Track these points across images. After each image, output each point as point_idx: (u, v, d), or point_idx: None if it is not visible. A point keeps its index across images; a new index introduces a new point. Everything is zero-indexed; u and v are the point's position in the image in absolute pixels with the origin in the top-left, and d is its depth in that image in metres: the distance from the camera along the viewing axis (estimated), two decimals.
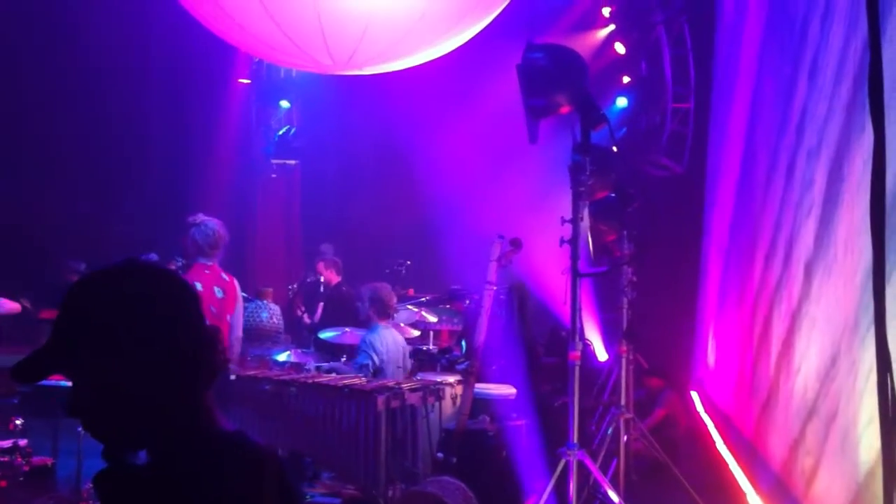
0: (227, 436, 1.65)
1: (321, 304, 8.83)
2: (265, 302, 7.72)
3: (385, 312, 6.93)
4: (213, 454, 1.58)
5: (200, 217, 5.73)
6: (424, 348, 8.04)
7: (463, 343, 8.13)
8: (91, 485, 5.90)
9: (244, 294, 8.50)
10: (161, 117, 11.90)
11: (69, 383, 1.61)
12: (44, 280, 9.72)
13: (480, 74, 9.13)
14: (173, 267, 5.74)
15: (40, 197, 11.79)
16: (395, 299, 7.13)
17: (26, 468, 5.53)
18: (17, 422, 5.46)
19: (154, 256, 5.89)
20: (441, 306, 8.79)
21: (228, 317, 5.66)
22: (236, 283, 5.80)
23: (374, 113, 10.39)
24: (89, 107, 10.70)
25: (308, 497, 6.70)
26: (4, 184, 10.98)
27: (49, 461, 6.04)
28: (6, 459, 5.27)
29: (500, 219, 7.84)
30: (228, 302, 5.63)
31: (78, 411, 1.58)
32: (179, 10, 6.66)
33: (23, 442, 5.58)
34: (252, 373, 6.51)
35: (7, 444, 5.33)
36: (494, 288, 6.64)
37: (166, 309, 1.61)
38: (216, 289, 5.54)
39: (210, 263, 5.63)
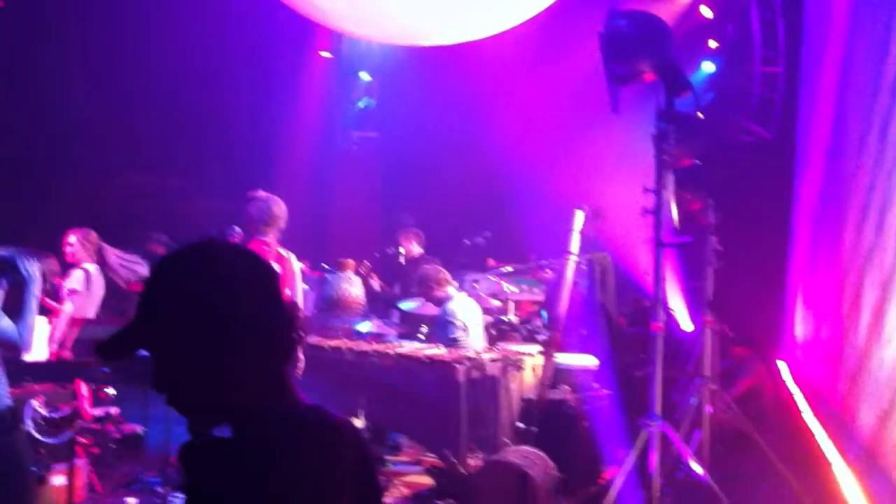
0: (305, 408, 1.68)
1: (401, 275, 8.87)
2: (346, 273, 7.78)
3: (441, 284, 6.96)
4: (293, 427, 1.60)
5: (259, 193, 5.80)
6: (505, 318, 8.02)
7: (544, 313, 8.10)
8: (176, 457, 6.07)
9: (325, 266, 8.62)
10: (244, 92, 12.03)
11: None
12: (131, 252, 9.95)
13: (559, 43, 8.99)
14: (232, 239, 5.81)
15: (127, 171, 12.09)
16: (440, 271, 7.14)
17: (117, 436, 5.71)
18: (108, 391, 5.61)
19: (237, 230, 5.97)
20: (520, 276, 8.74)
21: (287, 291, 5.72)
22: (294, 260, 5.83)
23: (453, 83, 10.33)
24: (175, 83, 10.88)
25: (389, 466, 6.78)
26: (93, 158, 11.28)
27: (139, 429, 6.22)
28: (98, 427, 5.43)
29: (581, 188, 7.74)
30: (285, 278, 5.67)
31: (162, 387, 1.62)
32: None
33: (114, 410, 5.75)
34: (333, 343, 6.58)
35: (99, 412, 5.49)
36: (576, 258, 6.59)
37: (245, 286, 1.65)
38: (273, 264, 5.58)
39: (267, 239, 5.69)
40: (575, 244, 6.57)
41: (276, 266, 5.55)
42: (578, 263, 6.67)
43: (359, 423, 5.93)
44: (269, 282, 1.71)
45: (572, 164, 8.88)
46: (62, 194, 10.93)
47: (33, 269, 4.53)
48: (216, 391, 1.62)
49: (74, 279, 6.60)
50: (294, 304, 1.77)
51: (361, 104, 12.54)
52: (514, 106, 9.55)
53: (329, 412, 1.67)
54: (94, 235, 6.79)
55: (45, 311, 5.62)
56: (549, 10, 7.06)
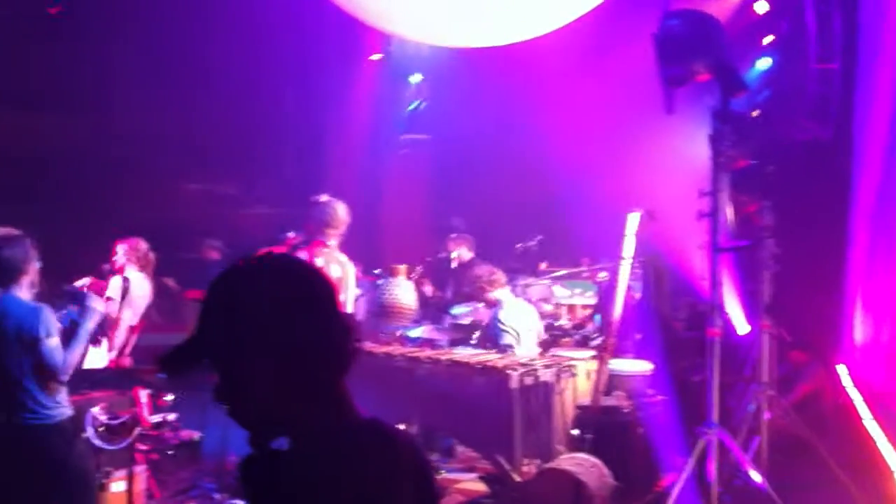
0: (363, 422, 1.69)
1: (453, 280, 8.85)
2: (398, 279, 7.78)
3: (493, 286, 6.92)
4: (351, 440, 1.62)
5: (324, 197, 5.83)
6: (557, 323, 7.95)
7: (597, 318, 8.02)
8: (236, 470, 6.13)
9: (377, 271, 8.62)
10: (295, 98, 12.13)
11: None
12: (185, 259, 10.08)
13: (612, 43, 8.90)
14: (294, 241, 5.86)
15: (181, 178, 12.25)
16: (493, 273, 7.09)
17: (175, 442, 5.77)
18: (166, 397, 5.67)
19: (291, 234, 6.00)
20: (573, 280, 8.67)
21: (341, 297, 5.72)
22: (352, 266, 5.86)
23: (505, 85, 10.28)
24: (227, 90, 10.99)
25: (443, 472, 6.76)
26: (150, 166, 11.43)
27: (196, 435, 6.28)
28: (156, 434, 5.49)
29: (635, 191, 7.65)
30: (342, 283, 5.69)
31: (223, 399, 1.65)
32: None
33: (172, 416, 5.81)
34: (385, 349, 6.58)
35: (157, 418, 5.55)
36: (630, 262, 6.52)
37: (304, 299, 1.66)
38: (333, 267, 5.61)
39: (329, 242, 5.72)
40: (629, 248, 6.49)
41: (336, 270, 5.59)
42: (633, 267, 6.60)
43: (410, 429, 5.93)
44: (328, 295, 1.72)
45: (625, 166, 8.77)
46: (121, 200, 11.11)
47: (96, 305, 4.68)
48: (275, 405, 1.63)
49: (112, 287, 6.68)
50: (352, 317, 1.76)
51: (412, 107, 12.55)
52: (567, 107, 9.47)
53: (386, 424, 1.69)
54: (143, 245, 6.86)
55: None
56: (601, 9, 6.99)
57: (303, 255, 5.46)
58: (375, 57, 11.98)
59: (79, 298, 4.81)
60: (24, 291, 4.54)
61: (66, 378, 4.47)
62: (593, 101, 9.32)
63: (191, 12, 10.35)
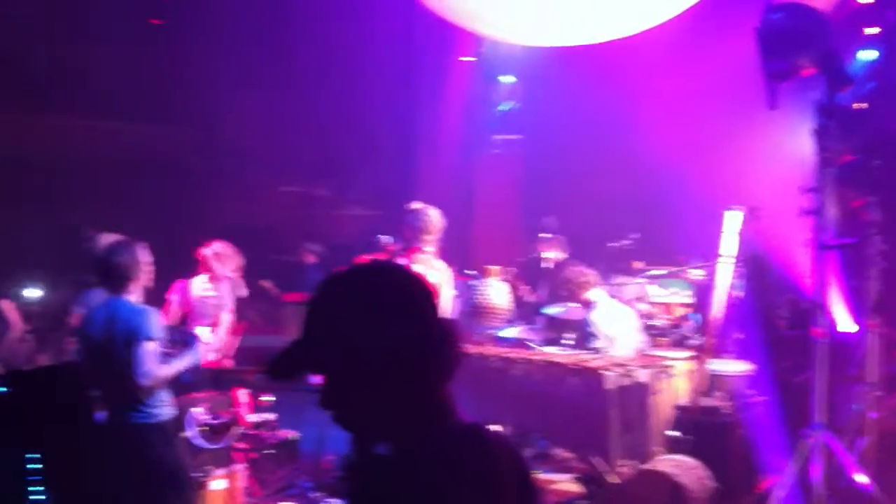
0: (464, 427, 1.70)
1: (546, 280, 8.80)
2: (490, 279, 7.77)
3: (585, 287, 6.85)
4: (452, 446, 1.63)
5: (418, 204, 5.89)
6: (654, 323, 7.83)
7: (696, 317, 7.88)
8: (334, 470, 6.23)
9: (470, 272, 8.63)
10: (387, 99, 12.23)
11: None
12: (283, 262, 10.27)
13: (710, 38, 8.72)
14: (393, 248, 5.94)
15: (278, 181, 12.48)
16: (584, 274, 7.01)
17: (274, 441, 5.90)
18: (266, 398, 5.81)
19: (387, 239, 6.07)
20: (669, 279, 8.53)
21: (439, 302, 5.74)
22: (449, 272, 5.89)
23: (599, 82, 10.16)
24: (320, 93, 11.17)
25: (538, 473, 6.72)
26: (244, 171, 11.69)
27: (294, 434, 6.40)
28: (255, 433, 5.63)
29: (734, 188, 7.48)
30: (441, 288, 5.71)
31: (327, 404, 1.68)
32: None
33: (271, 416, 5.94)
34: (479, 350, 6.58)
35: (256, 418, 5.69)
36: (730, 260, 6.39)
37: (406, 307, 1.69)
38: (431, 273, 5.64)
39: (425, 249, 5.78)
40: (728, 245, 6.36)
41: (434, 276, 5.62)
42: (732, 265, 6.46)
43: (503, 430, 5.93)
44: (430, 302, 1.74)
45: (724, 162, 8.58)
46: (219, 205, 11.39)
47: (197, 357, 4.88)
48: (378, 410, 1.66)
49: (221, 290, 6.85)
50: (455, 323, 1.78)
51: (504, 107, 12.52)
52: (662, 104, 9.31)
53: (487, 430, 1.70)
54: (229, 249, 7.00)
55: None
56: (700, 4, 6.85)
57: (401, 261, 5.52)
58: (467, 59, 12.00)
59: (188, 342, 5.03)
60: (133, 295, 4.72)
61: (144, 383, 4.61)
62: (691, 97, 9.14)
63: (285, 22, 10.56)
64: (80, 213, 10.34)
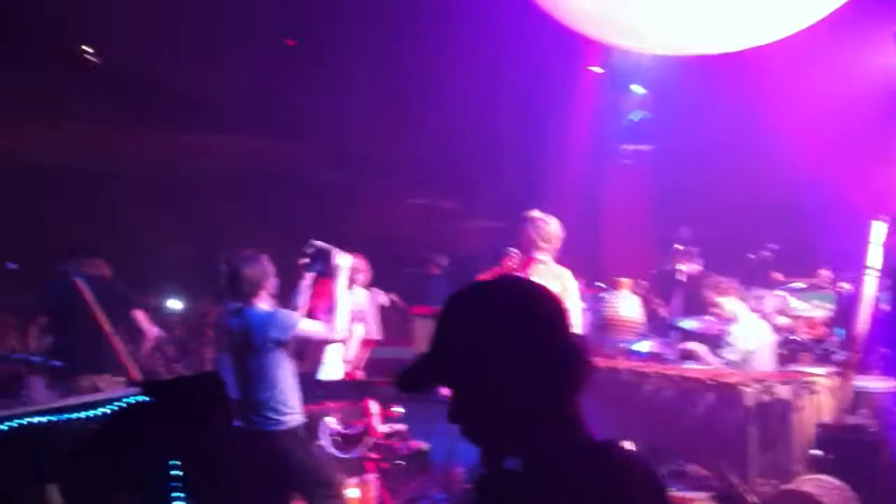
0: (596, 444, 1.68)
1: (680, 292, 8.59)
2: (621, 292, 7.65)
3: (724, 300, 6.66)
4: (583, 463, 1.61)
5: (535, 213, 5.83)
6: (795, 337, 7.54)
7: (839, 331, 7.55)
8: (465, 482, 6.24)
9: (601, 284, 8.52)
10: (513, 110, 12.22)
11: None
12: (410, 274, 10.38)
13: (849, 45, 8.39)
14: (510, 260, 5.90)
15: (405, 194, 12.64)
16: (721, 284, 6.78)
17: (405, 452, 5.94)
18: (397, 409, 5.87)
19: (514, 251, 6.03)
20: (811, 292, 8.21)
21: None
22: (570, 278, 5.80)
23: (733, 90, 9.90)
24: (446, 104, 11.25)
25: (673, 491, 6.56)
26: (373, 184, 11.89)
27: (425, 445, 6.43)
28: (386, 444, 5.68)
29: (879, 197, 7.15)
30: (564, 298, 5.63)
31: (457, 418, 1.68)
32: (529, 4, 6.80)
33: (401, 427, 5.99)
34: (610, 363, 6.49)
35: (387, 429, 5.74)
36: (876, 271, 6.10)
37: (536, 322, 1.68)
38: (552, 283, 5.57)
39: (544, 258, 5.71)
40: (874, 257, 6.07)
41: (555, 286, 5.57)
42: (879, 277, 6.16)
43: (634, 446, 5.81)
44: (559, 316, 1.73)
45: (868, 171, 8.22)
46: (348, 218, 11.62)
47: (344, 260, 4.99)
48: (508, 425, 1.65)
49: (358, 301, 6.96)
50: (584, 337, 1.75)
51: (634, 117, 12.33)
52: (800, 111, 9.00)
53: (619, 447, 1.67)
54: (363, 262, 7.10)
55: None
56: (845, 7, 6.59)
57: (518, 272, 5.49)
58: (595, 69, 11.88)
59: (324, 255, 5.14)
60: (263, 304, 4.91)
61: (344, 336, 4.83)
62: (833, 104, 8.80)
63: (410, 36, 10.70)
64: (216, 226, 10.75)
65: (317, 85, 11.35)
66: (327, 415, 5.58)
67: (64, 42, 10.14)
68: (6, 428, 3.98)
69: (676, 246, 9.04)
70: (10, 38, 9.31)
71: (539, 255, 5.72)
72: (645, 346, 7.21)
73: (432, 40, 10.60)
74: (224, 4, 9.45)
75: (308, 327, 4.92)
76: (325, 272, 5.11)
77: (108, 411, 4.49)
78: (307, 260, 5.18)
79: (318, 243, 5.19)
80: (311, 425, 5.21)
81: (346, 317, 4.96)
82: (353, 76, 11.46)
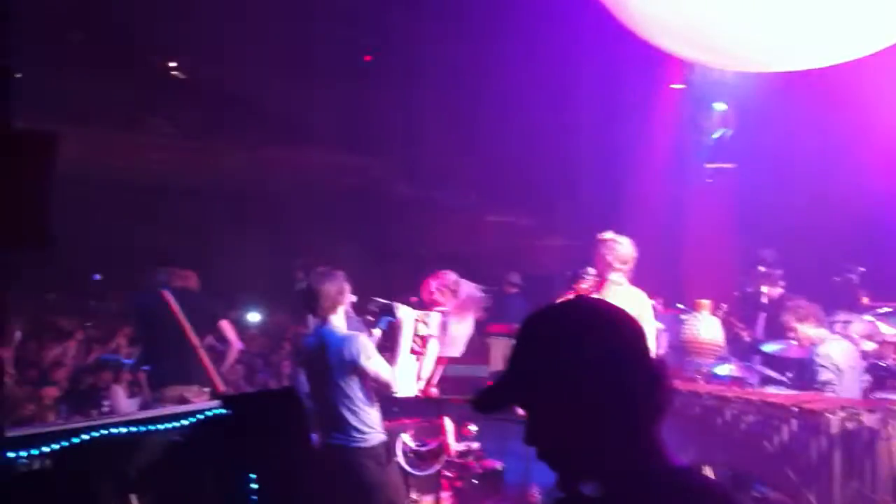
0: (674, 470, 1.65)
1: (762, 315, 8.40)
2: (702, 314, 7.51)
3: (808, 324, 6.49)
4: (661, 489, 1.59)
5: (608, 234, 5.79)
6: (883, 363, 7.30)
7: None
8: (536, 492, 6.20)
9: (681, 305, 8.38)
10: (592, 128, 12.15)
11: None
12: (485, 292, 10.32)
13: None
14: (586, 281, 5.86)
15: (482, 211, 12.63)
16: (805, 307, 6.62)
17: (479, 471, 5.93)
18: (471, 427, 5.86)
19: (591, 271, 6.00)
20: None
21: None
22: (644, 298, 5.73)
23: (819, 108, 9.68)
24: (524, 122, 11.25)
25: None
26: (448, 201, 11.91)
27: (499, 464, 6.40)
28: (461, 462, 5.68)
29: None
30: (639, 319, 5.54)
31: (533, 440, 1.66)
32: (609, 20, 6.76)
33: (475, 446, 5.98)
34: (690, 387, 6.38)
35: (461, 447, 5.74)
36: None
37: (614, 345, 1.66)
38: (627, 305, 5.49)
39: (619, 280, 5.66)
40: None
41: (630, 307, 5.50)
42: None
43: (713, 470, 5.70)
44: (639, 339, 1.71)
45: None
46: (424, 235, 11.67)
47: (406, 315, 5.00)
48: (584, 449, 1.62)
49: (432, 324, 6.93)
50: (664, 362, 1.72)
51: (716, 135, 12.13)
52: (887, 129, 8.74)
53: (698, 473, 1.66)
54: (451, 277, 7.06)
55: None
56: None
57: (592, 293, 5.45)
58: (677, 86, 11.74)
59: (388, 311, 5.17)
60: (339, 321, 4.94)
61: (397, 390, 4.81)
62: None
63: (490, 55, 10.73)
64: (295, 241, 10.91)
65: (395, 102, 11.46)
66: (402, 431, 5.59)
67: (153, 60, 10.44)
68: (89, 437, 4.09)
69: (759, 268, 8.85)
70: (102, 57, 9.62)
71: (614, 277, 5.69)
72: (725, 369, 7.07)
73: (512, 59, 10.62)
74: (307, 24, 9.61)
75: (376, 367, 4.88)
76: (391, 329, 5.15)
77: (189, 424, 4.59)
78: (371, 318, 5.23)
79: (380, 300, 5.24)
80: (390, 444, 5.22)
81: (404, 375, 4.97)
82: (433, 94, 11.54)
